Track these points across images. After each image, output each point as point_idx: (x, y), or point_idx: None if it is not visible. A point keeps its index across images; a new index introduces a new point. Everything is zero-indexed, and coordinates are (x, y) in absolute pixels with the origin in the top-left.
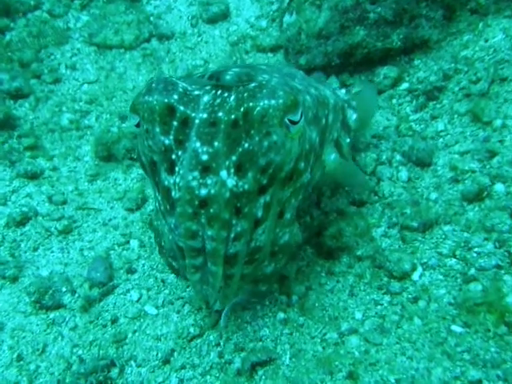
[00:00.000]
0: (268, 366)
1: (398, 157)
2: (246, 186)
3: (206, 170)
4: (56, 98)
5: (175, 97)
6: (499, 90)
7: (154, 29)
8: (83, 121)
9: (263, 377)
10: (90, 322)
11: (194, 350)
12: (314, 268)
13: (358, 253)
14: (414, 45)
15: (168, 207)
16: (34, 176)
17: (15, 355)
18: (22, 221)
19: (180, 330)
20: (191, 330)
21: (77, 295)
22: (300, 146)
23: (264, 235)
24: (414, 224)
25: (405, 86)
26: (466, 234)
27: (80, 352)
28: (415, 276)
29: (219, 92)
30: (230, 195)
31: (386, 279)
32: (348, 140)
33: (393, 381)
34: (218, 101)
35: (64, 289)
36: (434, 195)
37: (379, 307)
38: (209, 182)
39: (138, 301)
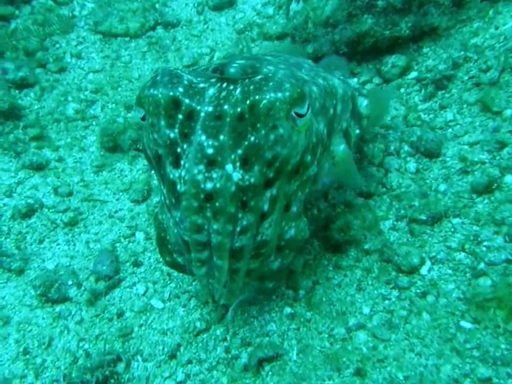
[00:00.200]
0: (275, 361)
1: (407, 147)
2: (252, 180)
3: (211, 163)
4: (61, 87)
5: (180, 89)
6: (510, 78)
7: (160, 16)
8: (89, 111)
9: (270, 373)
10: (96, 316)
11: (200, 344)
12: (321, 262)
13: (366, 246)
14: (422, 32)
15: (173, 201)
16: (39, 167)
17: (21, 349)
18: (28, 213)
19: (186, 324)
20: (197, 324)
21: (83, 288)
22: (307, 138)
23: (270, 229)
24: (423, 217)
25: (413, 74)
26: (475, 228)
27: (86, 346)
28: (424, 270)
29: (225, 85)
30: (235, 189)
31: (394, 273)
32: (358, 131)
33: (401, 378)
34: (224, 94)
35: (70, 282)
36: (442, 187)
37: (387, 302)
38: (214, 175)
39: (144, 294)
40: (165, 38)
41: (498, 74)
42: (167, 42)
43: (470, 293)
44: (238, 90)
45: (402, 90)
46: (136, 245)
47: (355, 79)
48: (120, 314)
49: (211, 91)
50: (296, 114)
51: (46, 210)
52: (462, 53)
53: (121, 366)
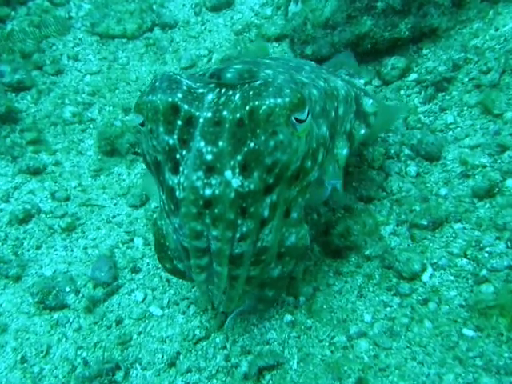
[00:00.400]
0: (275, 370)
1: (407, 151)
2: (252, 186)
3: (210, 170)
4: (58, 90)
5: (179, 95)
6: (510, 80)
7: (157, 17)
8: (86, 113)
9: (270, 382)
10: (95, 323)
11: (199, 352)
12: (322, 267)
13: (367, 252)
14: (422, 34)
15: (172, 207)
16: (36, 171)
17: (19, 357)
18: (25, 218)
19: (185, 331)
20: (197, 332)
21: (81, 295)
22: (307, 144)
23: (271, 235)
24: (424, 222)
25: (413, 76)
26: (476, 233)
27: (84, 354)
28: (425, 277)
29: (224, 90)
30: (234, 195)
31: (395, 280)
32: (363, 131)
33: None
34: (223, 99)
35: (68, 289)
36: (443, 191)
37: (388, 309)
38: (213, 182)
39: (142, 301)
40: (162, 39)
41: (498, 76)
42: (165, 43)
43: (473, 300)
44: (238, 96)
45: (402, 92)
46: (134, 250)
47: (362, 80)
48: (119, 322)
49: (210, 96)
50: (296, 119)
51: (44, 216)
52: (462, 54)
53: (119, 375)
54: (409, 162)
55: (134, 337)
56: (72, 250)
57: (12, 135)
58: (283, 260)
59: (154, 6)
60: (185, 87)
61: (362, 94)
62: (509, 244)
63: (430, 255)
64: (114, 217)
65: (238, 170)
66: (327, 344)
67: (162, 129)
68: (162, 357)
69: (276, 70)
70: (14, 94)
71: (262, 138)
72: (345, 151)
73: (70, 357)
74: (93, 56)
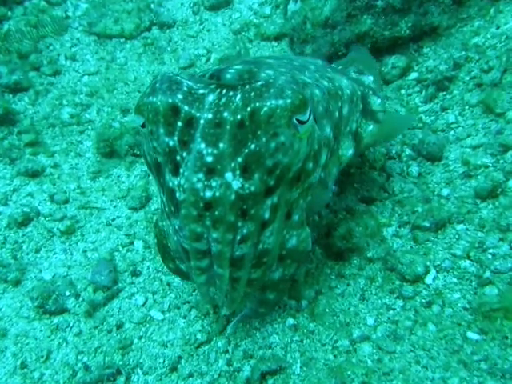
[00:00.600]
0: (278, 375)
1: (408, 151)
2: (253, 188)
3: (210, 171)
4: (56, 90)
5: (180, 96)
6: None
7: (155, 17)
8: (84, 115)
9: None
10: (95, 328)
11: (201, 357)
12: (324, 270)
13: (369, 254)
14: (422, 32)
15: (173, 209)
16: (35, 174)
17: (19, 362)
18: (24, 221)
19: (187, 336)
20: (198, 336)
21: (81, 299)
22: (308, 145)
23: (272, 237)
24: (426, 223)
25: (414, 75)
26: (480, 234)
27: (85, 359)
28: (428, 279)
29: (224, 91)
30: (235, 197)
31: (398, 282)
32: (371, 127)
33: None
34: (224, 100)
35: (68, 293)
36: (445, 191)
37: (392, 312)
38: (214, 184)
39: (143, 305)
40: (160, 38)
41: (499, 75)
42: (163, 43)
43: (476, 302)
44: (238, 97)
45: (403, 92)
46: (135, 254)
47: (371, 77)
48: (119, 326)
49: (211, 97)
50: (297, 120)
51: (43, 219)
52: (463, 53)
53: (121, 380)
54: (410, 162)
55: (135, 341)
56: (71, 254)
57: (10, 137)
58: (284, 263)
59: (152, 6)
60: (185, 88)
61: (371, 92)
62: None
63: (433, 257)
64: (113, 219)
65: (238, 172)
66: (330, 348)
67: (162, 130)
68: (164, 361)
69: (277, 70)
70: (11, 96)
71: (263, 139)
72: (350, 152)
73: (70, 362)
74: (90, 56)
